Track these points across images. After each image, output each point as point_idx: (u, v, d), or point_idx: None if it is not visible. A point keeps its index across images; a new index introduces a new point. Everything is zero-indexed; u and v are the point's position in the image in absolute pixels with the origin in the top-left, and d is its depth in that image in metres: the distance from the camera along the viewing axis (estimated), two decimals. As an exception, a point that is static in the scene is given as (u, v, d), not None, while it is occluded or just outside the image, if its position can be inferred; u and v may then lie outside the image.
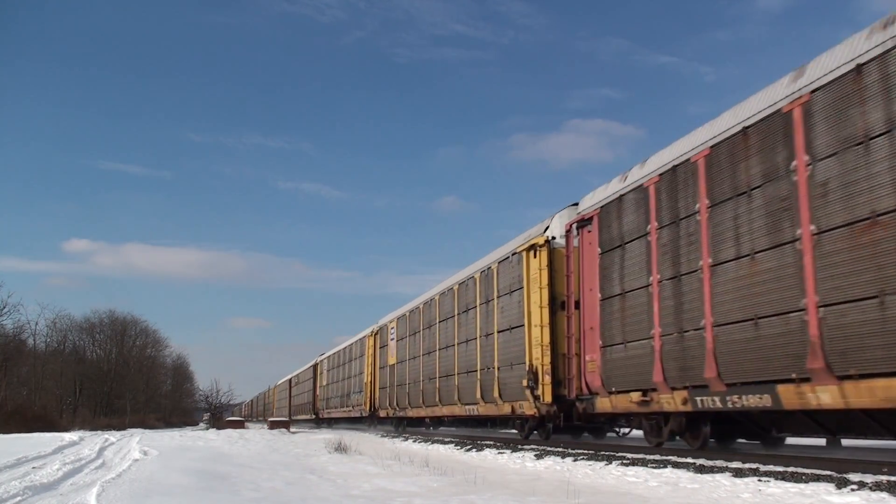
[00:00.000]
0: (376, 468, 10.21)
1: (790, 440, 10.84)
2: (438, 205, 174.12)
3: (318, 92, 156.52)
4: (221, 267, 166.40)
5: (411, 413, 23.00)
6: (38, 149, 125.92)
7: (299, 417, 51.97)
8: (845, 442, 9.19)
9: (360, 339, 32.15)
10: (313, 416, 45.29)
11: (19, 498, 6.92)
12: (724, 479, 7.13)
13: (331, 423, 42.13)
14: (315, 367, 45.25)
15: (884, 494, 5.65)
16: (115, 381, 59.78)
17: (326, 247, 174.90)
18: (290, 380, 59.20)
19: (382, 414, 27.03)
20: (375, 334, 28.67)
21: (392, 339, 25.57)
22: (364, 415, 30.20)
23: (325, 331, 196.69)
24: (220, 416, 48.64)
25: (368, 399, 29.01)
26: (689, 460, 8.81)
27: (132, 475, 9.20)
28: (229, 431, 29.82)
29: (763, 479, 6.90)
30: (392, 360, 25.28)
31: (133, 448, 15.76)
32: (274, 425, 35.37)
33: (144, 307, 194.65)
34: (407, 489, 7.53)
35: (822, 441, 9.45)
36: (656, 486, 7.37)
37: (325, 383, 41.53)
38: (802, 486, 6.35)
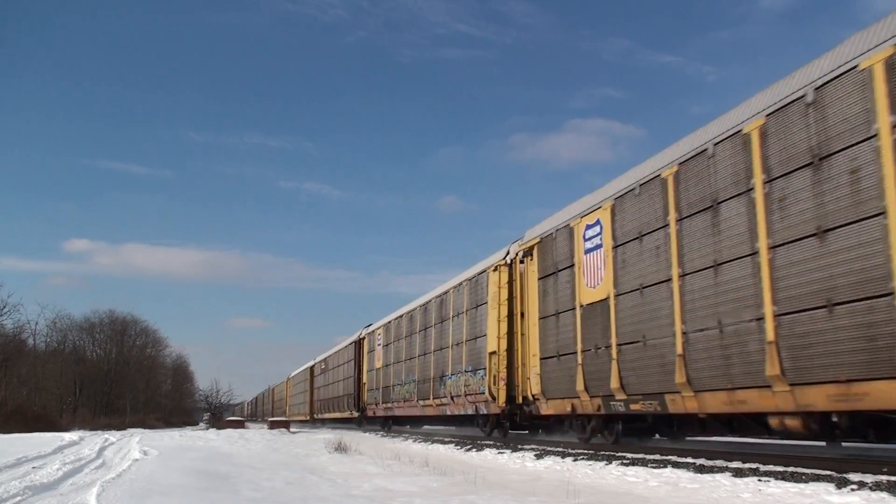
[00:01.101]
0: (376, 468, 10.22)
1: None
2: (438, 205, 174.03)
3: (320, 91, 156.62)
4: (221, 267, 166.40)
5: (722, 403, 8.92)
6: (38, 148, 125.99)
7: (327, 416, 39.76)
8: (845, 442, 9.16)
9: (474, 279, 17.72)
10: (355, 414, 32.04)
11: (19, 498, 6.92)
12: (724, 479, 7.14)
13: (389, 423, 28.01)
14: (359, 343, 32.06)
15: (884, 494, 5.65)
16: (115, 381, 59.72)
17: (327, 247, 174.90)
18: (310, 368, 46.73)
19: (548, 410, 13.31)
20: (527, 253, 14.30)
21: (603, 250, 11.50)
22: (486, 412, 16.74)
23: (325, 331, 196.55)
24: (220, 416, 48.62)
25: (502, 383, 15.43)
26: (689, 460, 8.81)
27: (132, 475, 9.20)
28: (229, 431, 29.82)
29: (763, 478, 6.91)
30: (604, 290, 11.31)
31: (133, 448, 15.76)
32: (274, 425, 35.36)
33: (144, 307, 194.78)
34: (407, 489, 7.53)
35: (821, 441, 9.42)
36: (656, 485, 7.38)
37: (380, 364, 27.53)
38: (802, 485, 6.36)
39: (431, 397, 20.60)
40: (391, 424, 28.10)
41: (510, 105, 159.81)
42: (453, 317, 19.30)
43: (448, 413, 19.47)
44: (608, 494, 7.00)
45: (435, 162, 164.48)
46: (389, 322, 26.72)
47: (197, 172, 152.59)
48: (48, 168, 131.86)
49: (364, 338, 31.47)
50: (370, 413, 29.23)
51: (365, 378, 30.35)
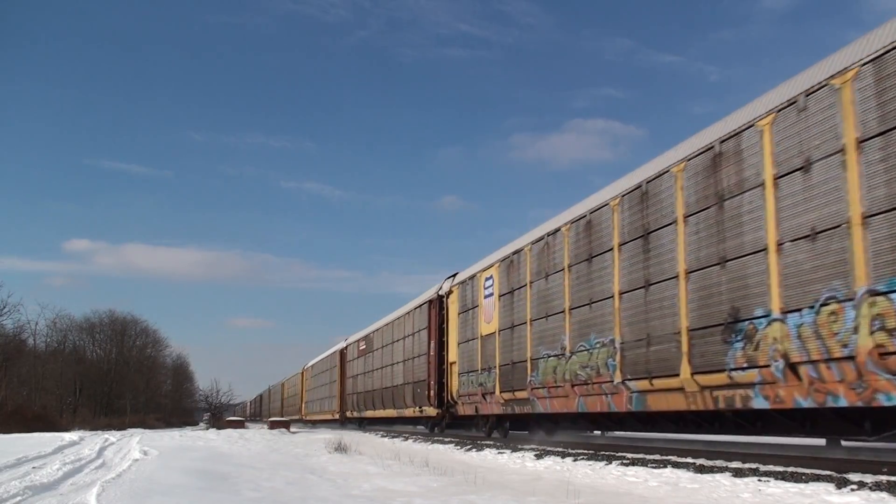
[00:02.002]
0: (376, 468, 10.22)
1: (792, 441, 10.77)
2: (438, 205, 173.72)
3: (321, 91, 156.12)
4: (222, 267, 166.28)
5: None
6: (38, 149, 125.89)
7: (372, 414, 29.12)
8: (845, 442, 9.18)
9: None
10: (433, 412, 20.61)
11: (19, 498, 6.92)
12: (724, 479, 7.14)
13: (504, 427, 17.27)
14: (439, 302, 20.58)
15: (884, 494, 5.65)
16: (115, 381, 59.72)
17: (328, 247, 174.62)
18: (340, 352, 36.27)
19: None
20: None
21: None
22: None
23: (325, 331, 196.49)
24: (220, 416, 48.63)
25: None
26: (689, 460, 8.81)
27: (132, 475, 9.20)
28: (229, 431, 29.83)
29: (763, 478, 6.91)
30: None
31: (133, 448, 15.76)
32: (274, 425, 35.37)
33: (144, 307, 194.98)
34: (407, 489, 7.53)
35: (822, 441, 9.44)
36: (656, 485, 7.38)
37: (491, 328, 16.41)
38: (802, 486, 6.36)
39: (690, 370, 9.42)
40: (507, 427, 17.09)
41: (510, 105, 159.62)
42: (799, 172, 7.93)
43: (767, 406, 8.39)
44: (608, 494, 7.00)
45: (435, 162, 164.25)
46: (518, 252, 15.09)
47: (198, 172, 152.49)
48: (48, 168, 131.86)
49: (450, 292, 19.62)
50: (465, 410, 18.19)
51: (453, 354, 18.96)
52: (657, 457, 9.47)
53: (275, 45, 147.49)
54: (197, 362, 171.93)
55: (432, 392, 20.39)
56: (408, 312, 24.01)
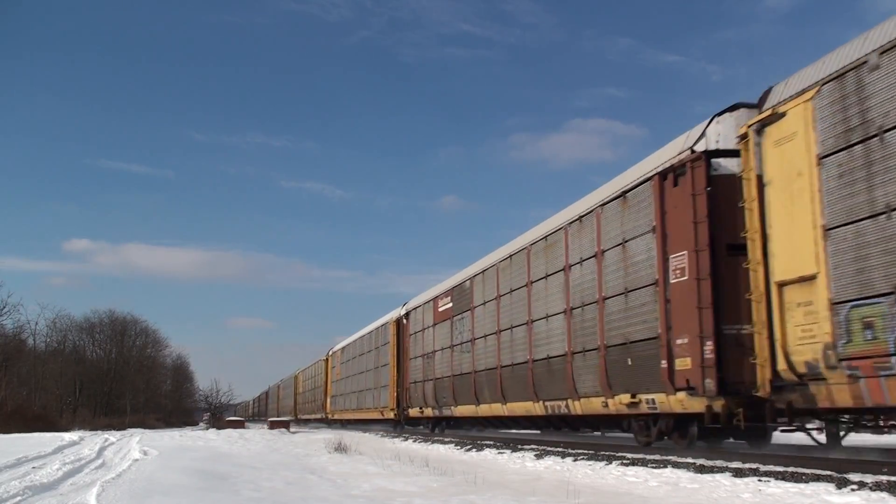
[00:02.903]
0: (376, 468, 10.22)
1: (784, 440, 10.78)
2: (439, 205, 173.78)
3: (322, 91, 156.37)
4: (222, 267, 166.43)
5: None
6: (39, 148, 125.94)
7: (470, 410, 18.02)
8: (845, 442, 9.18)
9: None
10: (674, 403, 9.57)
11: (19, 498, 6.92)
12: (724, 479, 7.14)
13: None
14: (707, 162, 9.02)
15: (884, 494, 5.65)
16: (115, 381, 59.69)
17: (328, 246, 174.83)
18: (396, 321, 25.62)
19: None
20: None
21: None
22: None
23: (325, 331, 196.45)
24: (220, 416, 48.64)
25: None
26: (689, 460, 8.81)
27: (132, 475, 9.20)
28: (229, 431, 29.84)
29: (763, 478, 6.91)
30: None
31: (133, 448, 15.76)
32: (274, 425, 35.38)
33: (144, 307, 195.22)
34: (407, 489, 7.53)
35: (821, 441, 9.43)
36: (656, 485, 7.38)
37: None
38: (802, 486, 6.36)
39: None
40: None
41: (510, 105, 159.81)
42: None
43: None
44: (608, 494, 7.00)
45: (435, 161, 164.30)
46: None
47: (198, 172, 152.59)
48: (49, 168, 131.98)
49: (787, 103, 7.90)
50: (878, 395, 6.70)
51: (806, 262, 7.46)
52: (657, 457, 9.47)
53: (276, 44, 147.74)
54: (197, 362, 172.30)
55: (695, 361, 9.08)
56: (580, 217, 12.54)
